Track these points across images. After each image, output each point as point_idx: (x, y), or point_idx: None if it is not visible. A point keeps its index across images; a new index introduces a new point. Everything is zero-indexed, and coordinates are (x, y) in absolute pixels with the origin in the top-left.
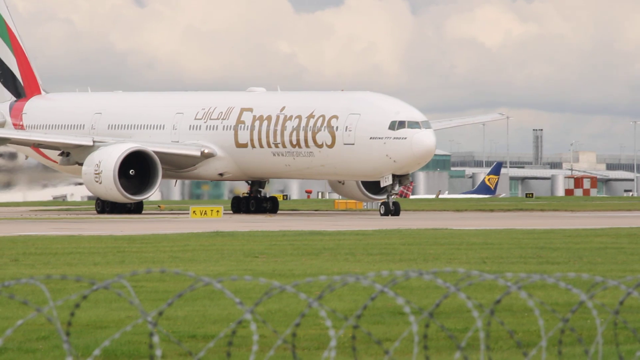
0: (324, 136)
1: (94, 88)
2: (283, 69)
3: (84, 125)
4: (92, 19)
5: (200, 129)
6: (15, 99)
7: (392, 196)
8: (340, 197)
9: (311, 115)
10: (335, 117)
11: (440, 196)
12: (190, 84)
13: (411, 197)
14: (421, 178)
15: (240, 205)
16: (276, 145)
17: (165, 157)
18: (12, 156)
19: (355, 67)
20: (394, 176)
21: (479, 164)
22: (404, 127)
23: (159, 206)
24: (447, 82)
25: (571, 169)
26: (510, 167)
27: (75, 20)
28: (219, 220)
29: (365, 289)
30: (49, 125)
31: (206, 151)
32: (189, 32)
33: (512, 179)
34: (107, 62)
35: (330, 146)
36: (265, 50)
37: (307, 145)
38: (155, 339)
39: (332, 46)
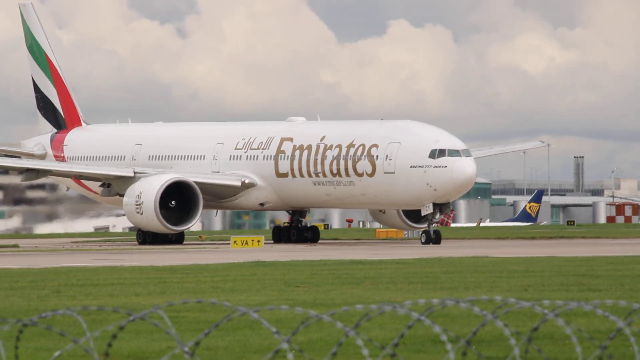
0: (364, 165)
1: (137, 119)
2: (326, 98)
3: (124, 156)
4: (134, 50)
5: (240, 159)
6: (56, 130)
7: (433, 224)
8: (381, 225)
9: (351, 145)
10: (376, 146)
11: (482, 224)
12: (233, 114)
13: (452, 225)
14: (462, 206)
15: (281, 235)
16: (317, 175)
17: (206, 188)
18: (53, 188)
19: (398, 96)
20: (434, 204)
21: (519, 192)
22: (444, 155)
23: (200, 236)
24: (490, 110)
25: (612, 196)
26: (551, 194)
27: (118, 52)
28: (260, 250)
29: (405, 318)
30: (90, 157)
31: (247, 181)
32: (232, 63)
33: (553, 206)
34: (150, 93)
35: (371, 175)
36: (308, 80)
37: (347, 175)
38: None
39: (374, 75)
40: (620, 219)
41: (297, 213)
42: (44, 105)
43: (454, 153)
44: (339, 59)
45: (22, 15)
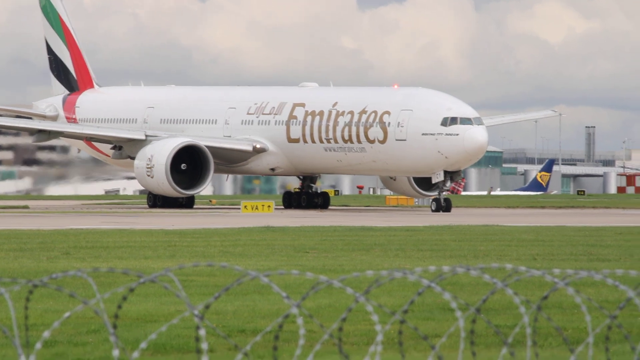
0: (376, 132)
1: (156, 83)
2: (346, 64)
3: (136, 119)
4: (154, 13)
5: (252, 123)
6: (68, 92)
7: (444, 192)
8: (392, 193)
9: (363, 111)
10: (388, 112)
11: (492, 193)
12: (251, 78)
13: (462, 193)
14: (473, 174)
15: (291, 201)
16: (328, 141)
17: (217, 152)
18: (65, 150)
19: (418, 63)
20: (445, 172)
21: (530, 160)
22: (456, 123)
23: (210, 201)
24: (509, 79)
25: (623, 167)
26: (562, 164)
27: (139, 14)
28: (270, 215)
29: (415, 285)
30: (102, 119)
31: (258, 146)
32: (251, 27)
33: (564, 176)
34: (169, 56)
35: (382, 142)
36: (328, 46)
37: (359, 141)
38: (202, 332)
39: (394, 42)
40: (630, 190)
41: (308, 179)
42: (57, 67)
43: (466, 121)
44: (359, 25)
45: None
